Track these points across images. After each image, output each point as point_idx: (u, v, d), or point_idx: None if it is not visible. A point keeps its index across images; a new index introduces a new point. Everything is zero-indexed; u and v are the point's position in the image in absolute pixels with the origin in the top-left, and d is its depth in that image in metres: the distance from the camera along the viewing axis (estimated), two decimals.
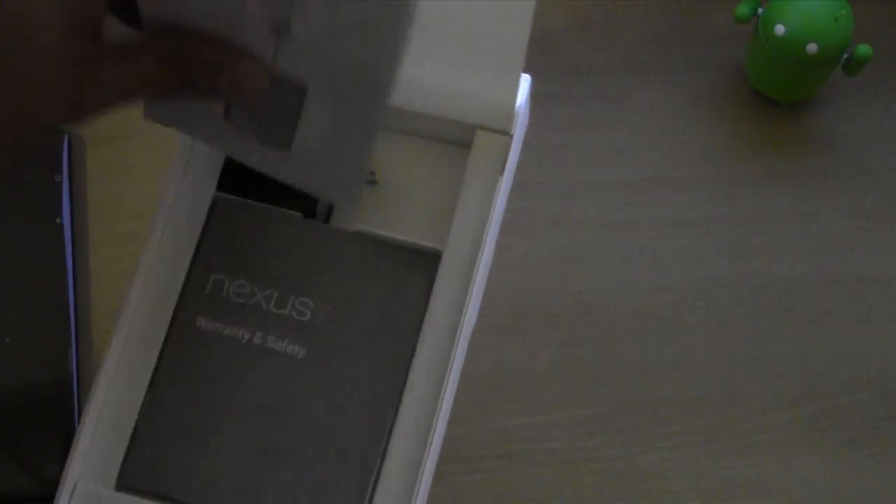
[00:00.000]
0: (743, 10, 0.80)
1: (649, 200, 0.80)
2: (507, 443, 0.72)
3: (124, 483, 0.56)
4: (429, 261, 0.59)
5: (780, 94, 0.82)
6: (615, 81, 0.84)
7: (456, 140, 0.62)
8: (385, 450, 0.56)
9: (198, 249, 0.60)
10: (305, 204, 0.60)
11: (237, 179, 0.61)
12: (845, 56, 0.79)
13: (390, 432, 0.56)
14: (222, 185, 0.61)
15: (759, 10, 0.80)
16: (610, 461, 0.71)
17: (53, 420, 0.66)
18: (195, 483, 0.56)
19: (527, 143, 0.82)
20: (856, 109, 0.83)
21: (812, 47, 0.78)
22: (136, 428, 0.57)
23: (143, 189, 0.76)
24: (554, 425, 0.72)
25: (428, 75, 0.61)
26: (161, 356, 0.58)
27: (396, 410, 0.56)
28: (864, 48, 0.79)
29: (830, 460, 0.72)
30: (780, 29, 0.78)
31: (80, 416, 0.63)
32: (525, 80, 0.61)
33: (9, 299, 0.67)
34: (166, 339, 0.58)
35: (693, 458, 0.72)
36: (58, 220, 0.68)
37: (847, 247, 0.79)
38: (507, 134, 0.61)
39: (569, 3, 0.86)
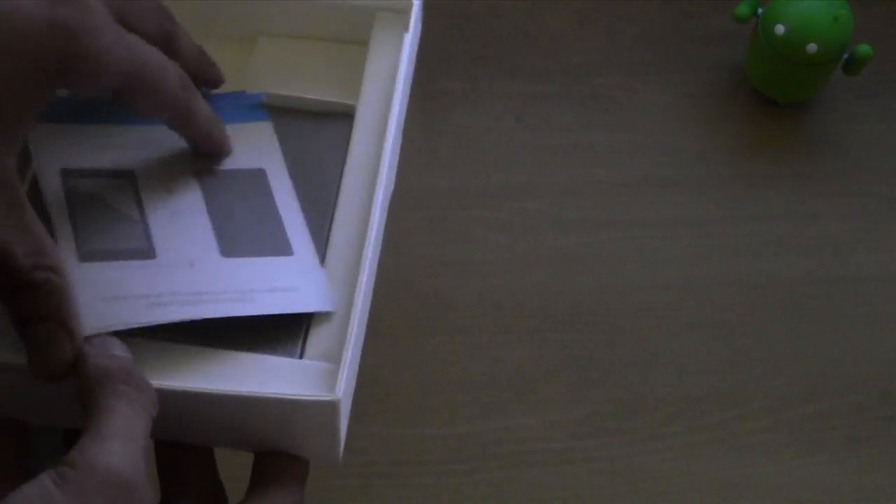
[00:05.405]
0: (743, 10, 0.80)
1: (649, 200, 0.80)
2: (507, 443, 0.72)
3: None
4: (341, 117, 0.60)
5: (780, 94, 0.82)
6: (615, 81, 0.84)
7: (354, 36, 0.63)
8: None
9: None
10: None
11: None
12: (845, 56, 0.80)
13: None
14: None
15: (759, 10, 0.80)
16: (610, 461, 0.71)
17: None
18: None
19: (527, 142, 0.82)
20: (856, 109, 0.83)
21: (812, 47, 0.78)
22: None
23: None
24: (554, 425, 0.72)
25: None
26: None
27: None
28: (864, 48, 0.79)
29: (830, 460, 0.72)
30: (780, 29, 0.78)
31: None
32: None
33: None
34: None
35: (693, 458, 0.72)
36: None
37: (847, 247, 0.79)
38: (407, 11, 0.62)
39: (569, 3, 0.86)
